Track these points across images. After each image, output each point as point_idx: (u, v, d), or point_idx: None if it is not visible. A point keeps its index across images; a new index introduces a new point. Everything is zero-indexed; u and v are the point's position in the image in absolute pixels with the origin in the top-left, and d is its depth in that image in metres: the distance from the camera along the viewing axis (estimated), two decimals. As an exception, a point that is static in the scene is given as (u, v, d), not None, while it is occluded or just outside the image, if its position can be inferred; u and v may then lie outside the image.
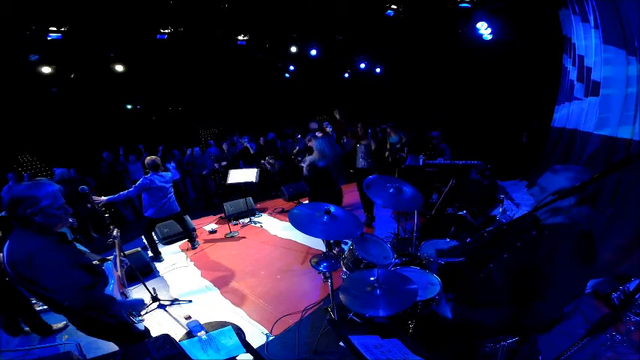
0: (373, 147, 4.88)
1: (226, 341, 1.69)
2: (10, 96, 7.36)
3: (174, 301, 3.64)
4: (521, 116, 7.81)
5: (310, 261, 2.61)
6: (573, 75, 5.65)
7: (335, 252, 4.02)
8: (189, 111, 11.41)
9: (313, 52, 8.59)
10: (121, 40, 6.48)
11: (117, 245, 2.40)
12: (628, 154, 3.79)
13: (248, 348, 1.72)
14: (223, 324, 1.99)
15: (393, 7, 6.56)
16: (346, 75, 11.52)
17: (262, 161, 7.92)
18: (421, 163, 5.19)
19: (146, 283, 3.58)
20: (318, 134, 5.41)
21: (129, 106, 10.10)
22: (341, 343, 1.42)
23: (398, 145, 5.76)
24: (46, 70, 6.42)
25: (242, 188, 6.26)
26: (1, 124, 7.64)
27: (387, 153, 5.84)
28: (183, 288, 3.99)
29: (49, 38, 5.48)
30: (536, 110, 7.43)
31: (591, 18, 4.62)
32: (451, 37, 7.84)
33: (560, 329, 1.97)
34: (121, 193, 4.26)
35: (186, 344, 1.61)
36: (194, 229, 5.75)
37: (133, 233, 6.01)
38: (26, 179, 6.17)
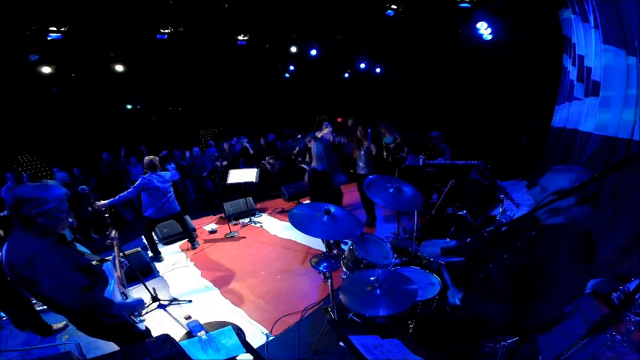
0: (374, 152, 4.80)
1: (226, 341, 1.69)
2: (10, 96, 7.37)
3: (174, 301, 3.64)
4: (521, 116, 7.81)
5: (310, 261, 2.61)
6: (573, 75, 5.65)
7: (335, 252, 4.02)
8: (189, 111, 11.41)
9: (313, 52, 8.59)
10: (121, 40, 6.47)
11: (116, 246, 2.41)
12: (628, 154, 3.79)
13: (248, 348, 1.72)
14: (223, 324, 1.99)
15: (393, 7, 6.55)
16: (346, 75, 11.52)
17: (262, 161, 7.92)
18: (421, 163, 5.20)
19: (146, 283, 3.58)
20: (318, 134, 5.42)
21: (129, 106, 10.10)
22: (341, 343, 1.42)
23: (392, 146, 5.74)
24: (46, 70, 6.41)
25: (242, 188, 6.26)
26: (1, 124, 7.65)
27: (384, 154, 5.82)
28: (183, 288, 3.99)
29: (49, 38, 5.47)
30: (536, 110, 7.43)
31: (591, 18, 4.62)
32: (451, 37, 7.84)
33: (560, 329, 1.97)
34: (121, 194, 4.26)
35: (186, 344, 1.62)
36: (194, 229, 5.75)
37: (133, 233, 6.01)
38: (25, 179, 6.16)
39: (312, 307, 3.27)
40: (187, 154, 8.42)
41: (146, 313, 3.40)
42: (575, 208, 1.46)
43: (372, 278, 1.93)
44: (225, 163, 7.93)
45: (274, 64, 10.16)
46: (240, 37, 7.40)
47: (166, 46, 6.78)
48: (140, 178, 4.43)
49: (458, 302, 1.88)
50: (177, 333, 2.95)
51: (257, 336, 2.95)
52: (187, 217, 5.45)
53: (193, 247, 5.16)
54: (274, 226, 5.93)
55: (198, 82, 9.95)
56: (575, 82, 5.56)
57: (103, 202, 3.87)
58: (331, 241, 4.03)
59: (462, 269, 2.25)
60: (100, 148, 7.73)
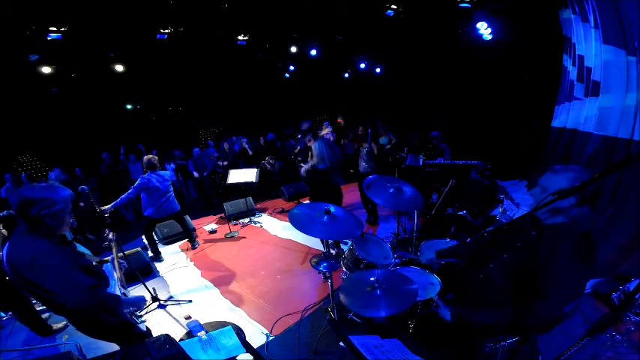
0: (375, 151, 4.86)
1: (226, 341, 1.69)
2: (10, 96, 7.36)
3: (174, 301, 3.64)
4: (521, 116, 7.81)
5: (310, 261, 2.61)
6: (573, 75, 5.64)
7: (333, 252, 4.02)
8: (189, 111, 11.40)
9: (313, 52, 8.59)
10: (121, 40, 6.47)
11: (114, 247, 2.40)
12: (628, 154, 3.79)
13: (248, 348, 1.72)
14: (223, 324, 1.99)
15: (393, 7, 6.55)
16: (346, 75, 11.52)
17: (262, 161, 7.92)
18: (421, 163, 5.20)
19: (146, 283, 3.59)
20: (320, 132, 5.41)
21: (129, 106, 10.10)
22: (341, 343, 1.42)
23: (388, 146, 5.76)
24: (46, 70, 6.41)
25: (242, 188, 6.26)
26: (1, 124, 7.64)
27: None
28: (183, 288, 3.99)
29: (49, 38, 5.47)
30: (536, 110, 7.43)
31: (591, 18, 4.62)
32: (451, 37, 7.83)
33: (560, 329, 1.97)
34: (122, 197, 4.25)
35: (186, 344, 1.62)
36: (194, 229, 5.75)
37: (133, 233, 6.01)
38: (24, 179, 6.16)
39: (312, 307, 3.27)
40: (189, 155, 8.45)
41: (146, 313, 3.41)
42: (576, 208, 1.46)
43: (372, 278, 1.93)
44: (225, 163, 7.93)
45: (274, 64, 10.15)
46: (240, 37, 7.39)
47: (166, 46, 6.77)
48: (140, 178, 4.44)
49: (448, 318, 1.88)
50: (177, 333, 2.95)
51: (257, 336, 2.95)
52: (187, 217, 5.45)
53: (193, 247, 5.16)
54: (274, 226, 5.93)
55: (198, 82, 9.94)
56: (575, 82, 5.55)
57: (106, 207, 3.86)
58: (330, 242, 4.03)
59: (459, 271, 2.25)
60: (100, 148, 7.73)
